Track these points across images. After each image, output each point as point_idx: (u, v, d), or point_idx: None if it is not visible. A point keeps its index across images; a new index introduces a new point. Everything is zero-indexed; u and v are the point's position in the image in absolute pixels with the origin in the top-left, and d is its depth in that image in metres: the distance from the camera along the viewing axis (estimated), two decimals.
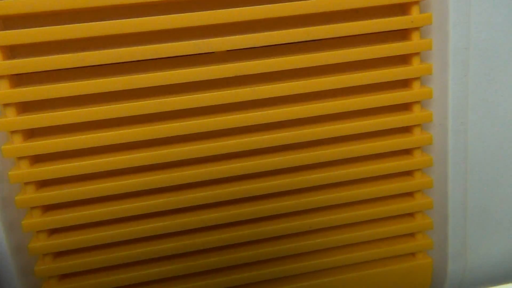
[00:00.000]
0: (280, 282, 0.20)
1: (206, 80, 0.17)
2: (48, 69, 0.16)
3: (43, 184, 0.18)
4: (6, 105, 0.16)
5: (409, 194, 0.20)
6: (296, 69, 0.18)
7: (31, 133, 0.17)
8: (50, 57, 0.16)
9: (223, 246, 0.19)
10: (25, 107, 0.17)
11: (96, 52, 0.16)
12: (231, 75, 0.17)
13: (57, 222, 0.17)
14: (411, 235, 0.21)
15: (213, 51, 0.17)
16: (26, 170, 0.17)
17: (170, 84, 0.17)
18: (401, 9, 0.19)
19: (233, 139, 0.18)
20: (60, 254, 0.18)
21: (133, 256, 0.18)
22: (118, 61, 0.16)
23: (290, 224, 0.19)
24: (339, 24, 0.17)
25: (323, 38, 0.18)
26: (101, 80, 0.16)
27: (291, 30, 0.17)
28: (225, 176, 0.18)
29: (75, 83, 0.16)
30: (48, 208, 0.18)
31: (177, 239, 0.19)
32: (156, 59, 0.17)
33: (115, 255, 0.18)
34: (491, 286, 0.22)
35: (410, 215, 0.21)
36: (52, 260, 0.18)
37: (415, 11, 0.18)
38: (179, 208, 0.18)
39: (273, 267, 0.20)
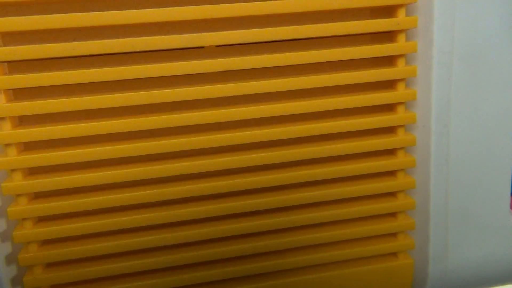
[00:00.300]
0: (261, 278, 0.20)
1: (196, 74, 0.18)
2: (41, 56, 0.16)
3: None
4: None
5: (392, 194, 0.21)
6: (283, 66, 0.18)
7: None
8: (42, 45, 0.16)
9: (208, 240, 0.19)
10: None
11: (88, 42, 0.16)
12: (219, 70, 0.17)
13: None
14: (393, 235, 0.21)
15: (204, 45, 0.17)
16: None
17: (161, 77, 0.17)
18: (388, 11, 0.19)
19: (221, 133, 0.18)
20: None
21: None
22: (108, 52, 0.16)
23: (272, 221, 0.19)
24: (327, 24, 0.18)
25: (311, 37, 0.18)
26: (91, 70, 0.16)
27: (279, 28, 0.17)
28: (211, 170, 0.18)
29: (66, 72, 0.16)
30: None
31: (169, 230, 0.19)
32: (147, 51, 0.17)
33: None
34: (471, 285, 0.22)
35: (393, 215, 0.21)
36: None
37: (401, 13, 0.18)
38: (173, 200, 0.18)
39: (255, 263, 0.20)
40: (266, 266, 0.20)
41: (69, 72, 0.16)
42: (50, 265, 0.19)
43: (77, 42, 0.16)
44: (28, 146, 0.18)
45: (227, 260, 0.20)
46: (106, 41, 0.16)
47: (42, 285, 0.18)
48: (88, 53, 0.16)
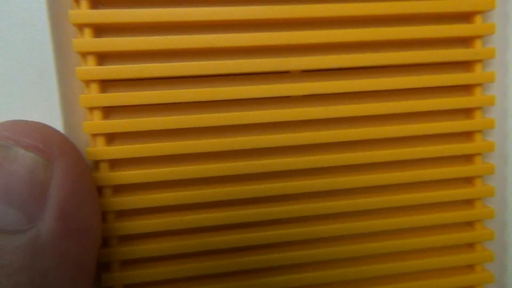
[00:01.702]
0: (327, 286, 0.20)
1: (280, 97, 0.18)
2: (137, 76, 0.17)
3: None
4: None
5: (470, 224, 0.20)
6: (364, 91, 0.19)
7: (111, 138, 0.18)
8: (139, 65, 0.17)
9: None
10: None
11: (183, 64, 0.17)
12: (304, 94, 0.18)
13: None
14: (471, 267, 0.21)
15: (289, 70, 0.18)
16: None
17: (247, 99, 0.18)
18: (464, 41, 0.20)
19: (300, 155, 0.18)
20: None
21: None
22: (198, 74, 0.17)
23: (349, 224, 0.19)
24: (409, 52, 0.18)
25: (390, 64, 0.18)
26: (185, 90, 0.17)
27: (361, 55, 0.18)
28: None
29: (158, 92, 0.17)
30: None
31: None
32: (231, 74, 0.18)
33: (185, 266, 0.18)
34: None
35: (471, 246, 0.20)
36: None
37: (478, 44, 0.19)
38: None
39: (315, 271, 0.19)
40: (336, 275, 0.19)
41: (162, 91, 0.17)
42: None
43: (173, 64, 0.17)
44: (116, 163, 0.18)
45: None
46: (196, 63, 0.17)
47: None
48: (179, 74, 0.17)
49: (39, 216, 0.12)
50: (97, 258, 0.15)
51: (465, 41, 0.20)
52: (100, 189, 0.17)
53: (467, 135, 0.20)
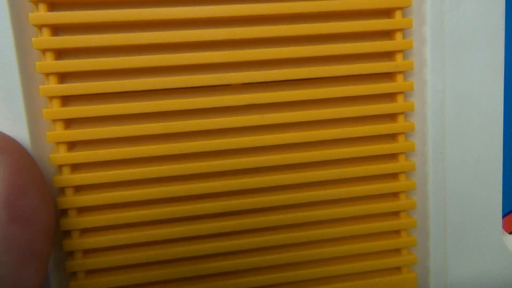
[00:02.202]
0: (258, 272, 0.22)
1: (223, 107, 0.21)
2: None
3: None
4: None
5: (395, 214, 0.23)
6: (296, 101, 0.22)
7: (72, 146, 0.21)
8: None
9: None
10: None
11: (131, 81, 0.19)
12: (244, 104, 0.21)
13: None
14: (397, 250, 0.24)
15: (230, 83, 0.21)
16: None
17: (194, 109, 0.20)
18: (388, 55, 0.22)
19: (244, 156, 0.21)
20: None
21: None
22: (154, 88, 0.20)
23: (286, 235, 0.22)
24: (336, 66, 0.21)
25: (321, 76, 0.21)
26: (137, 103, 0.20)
27: (293, 70, 0.21)
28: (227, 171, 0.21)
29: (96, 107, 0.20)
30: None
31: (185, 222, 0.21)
32: (179, 88, 0.20)
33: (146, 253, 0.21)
34: None
35: (396, 232, 0.23)
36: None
37: (399, 58, 0.22)
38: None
39: (255, 257, 0.22)
40: (266, 261, 0.22)
41: (112, 105, 0.20)
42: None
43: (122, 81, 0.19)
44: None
45: (230, 254, 0.22)
46: (153, 79, 0.20)
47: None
48: (133, 89, 0.20)
49: None
50: (51, 245, 0.17)
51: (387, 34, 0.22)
52: (63, 189, 0.20)
53: (392, 136, 0.23)
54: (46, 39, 0.19)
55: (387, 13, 0.22)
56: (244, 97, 0.21)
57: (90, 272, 0.21)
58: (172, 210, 0.21)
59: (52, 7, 0.19)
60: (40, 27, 0.19)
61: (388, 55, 0.22)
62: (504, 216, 0.26)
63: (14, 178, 0.15)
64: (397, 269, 0.24)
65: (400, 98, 0.22)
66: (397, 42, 0.21)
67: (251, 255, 0.22)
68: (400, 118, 0.22)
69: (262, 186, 0.21)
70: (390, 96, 0.22)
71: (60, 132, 0.19)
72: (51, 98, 0.19)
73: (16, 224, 0.15)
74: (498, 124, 0.23)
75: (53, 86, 0.19)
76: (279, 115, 0.21)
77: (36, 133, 0.19)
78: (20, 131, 0.19)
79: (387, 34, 0.22)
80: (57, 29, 0.19)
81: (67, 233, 0.20)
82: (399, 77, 0.22)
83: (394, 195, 0.23)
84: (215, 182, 0.21)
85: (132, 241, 0.21)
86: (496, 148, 0.23)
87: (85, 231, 0.21)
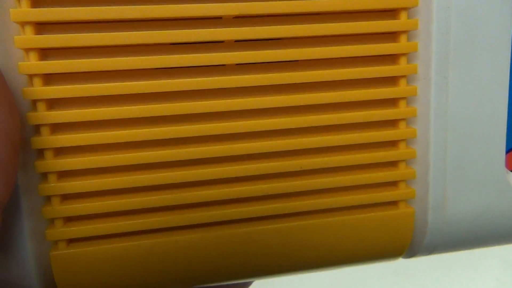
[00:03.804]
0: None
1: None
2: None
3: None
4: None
5: (394, 144, 0.22)
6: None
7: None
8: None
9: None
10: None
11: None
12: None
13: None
14: (395, 184, 0.22)
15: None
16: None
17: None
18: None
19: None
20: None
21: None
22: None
23: (281, 163, 0.21)
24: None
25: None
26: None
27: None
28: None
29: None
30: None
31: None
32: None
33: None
34: (469, 238, 0.23)
35: (394, 164, 0.22)
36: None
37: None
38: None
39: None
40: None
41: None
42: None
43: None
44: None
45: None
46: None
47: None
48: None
49: None
50: (16, 157, 0.16)
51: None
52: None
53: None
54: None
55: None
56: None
57: (66, 197, 0.20)
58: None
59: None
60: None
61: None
62: (507, 152, 0.25)
63: None
64: (394, 203, 0.23)
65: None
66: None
67: (245, 184, 0.21)
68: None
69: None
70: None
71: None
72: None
73: None
74: (506, 59, 0.21)
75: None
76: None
77: None
78: None
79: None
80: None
81: (41, 153, 0.19)
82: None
83: (393, 124, 0.22)
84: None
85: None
86: (501, 83, 0.22)
87: (59, 151, 0.19)
